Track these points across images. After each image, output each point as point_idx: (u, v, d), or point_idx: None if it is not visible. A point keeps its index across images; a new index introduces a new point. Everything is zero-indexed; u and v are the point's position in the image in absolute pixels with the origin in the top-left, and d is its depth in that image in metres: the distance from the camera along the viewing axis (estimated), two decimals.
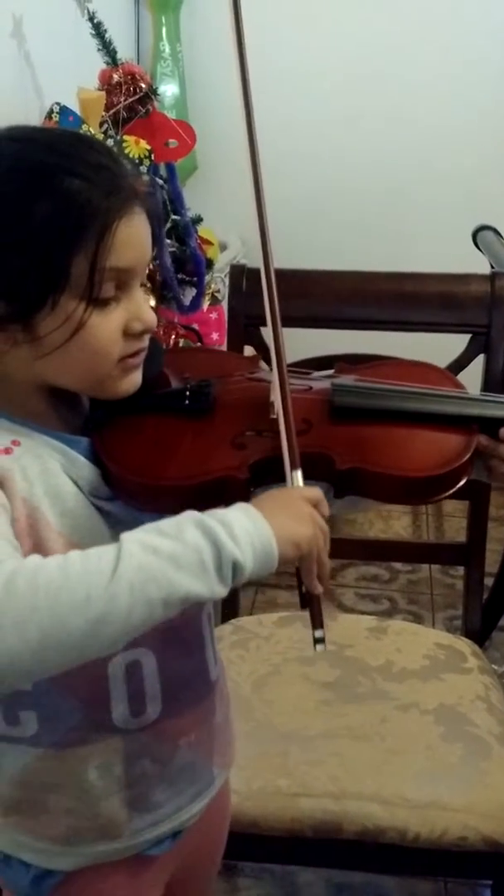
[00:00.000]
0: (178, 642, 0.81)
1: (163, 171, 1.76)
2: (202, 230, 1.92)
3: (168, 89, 2.36)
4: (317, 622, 0.69)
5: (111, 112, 1.65)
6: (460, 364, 1.34)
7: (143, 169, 1.62)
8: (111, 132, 1.64)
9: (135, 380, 0.75)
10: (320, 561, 0.68)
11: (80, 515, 0.72)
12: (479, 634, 1.43)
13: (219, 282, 2.02)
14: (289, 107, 2.43)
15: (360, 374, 0.89)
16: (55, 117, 1.56)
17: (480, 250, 1.86)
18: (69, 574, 0.59)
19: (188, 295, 1.82)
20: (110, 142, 1.60)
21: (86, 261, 0.67)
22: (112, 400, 0.75)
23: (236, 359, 1.02)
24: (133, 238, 0.70)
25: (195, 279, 1.81)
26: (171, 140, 1.71)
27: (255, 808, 1.09)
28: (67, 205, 0.67)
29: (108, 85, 1.69)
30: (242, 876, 1.51)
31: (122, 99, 1.67)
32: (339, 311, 1.36)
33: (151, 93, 1.70)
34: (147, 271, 0.75)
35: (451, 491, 0.78)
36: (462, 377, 1.25)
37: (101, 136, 1.60)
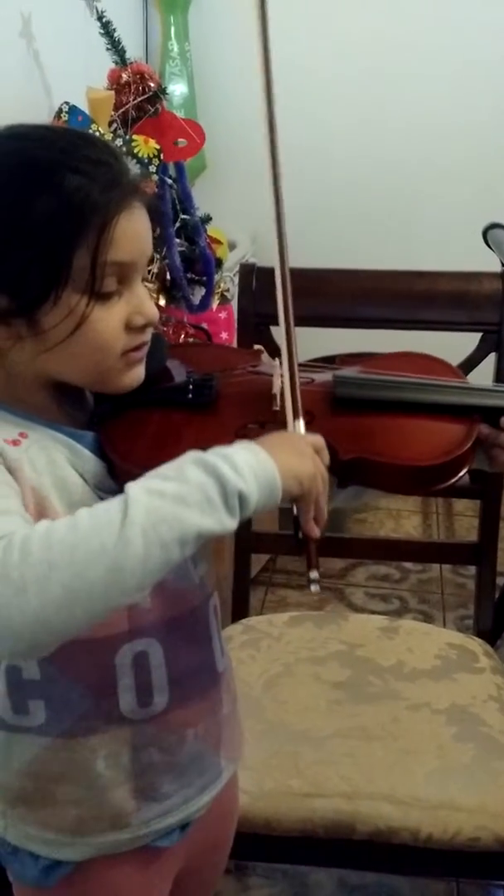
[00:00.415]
0: (185, 633, 0.82)
1: (172, 170, 1.75)
2: (211, 229, 1.92)
3: (177, 89, 2.35)
4: (312, 564, 0.71)
5: (120, 111, 1.65)
6: (471, 362, 1.34)
7: (153, 168, 1.62)
8: (120, 132, 1.64)
9: (138, 374, 0.76)
10: (318, 505, 0.70)
11: (85, 507, 0.72)
12: (490, 634, 1.43)
13: (228, 281, 2.01)
14: (298, 105, 2.42)
15: (361, 365, 0.89)
16: (64, 117, 1.56)
17: (491, 248, 1.84)
18: (80, 528, 0.60)
19: (197, 294, 1.82)
20: (119, 141, 1.60)
21: (87, 255, 0.68)
22: (116, 394, 0.76)
23: (238, 353, 1.03)
24: (133, 232, 0.71)
25: (204, 278, 1.81)
26: (180, 139, 1.71)
27: (267, 809, 1.09)
28: (68, 200, 0.67)
29: (116, 84, 1.68)
30: (254, 875, 1.51)
31: (130, 98, 1.67)
32: (349, 311, 1.36)
33: (160, 92, 1.70)
34: (147, 266, 0.75)
35: (454, 480, 0.79)
36: (473, 376, 1.25)
37: (110, 136, 1.60)
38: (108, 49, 1.72)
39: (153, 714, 0.79)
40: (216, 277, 1.86)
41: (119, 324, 0.72)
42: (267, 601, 2.20)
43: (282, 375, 0.81)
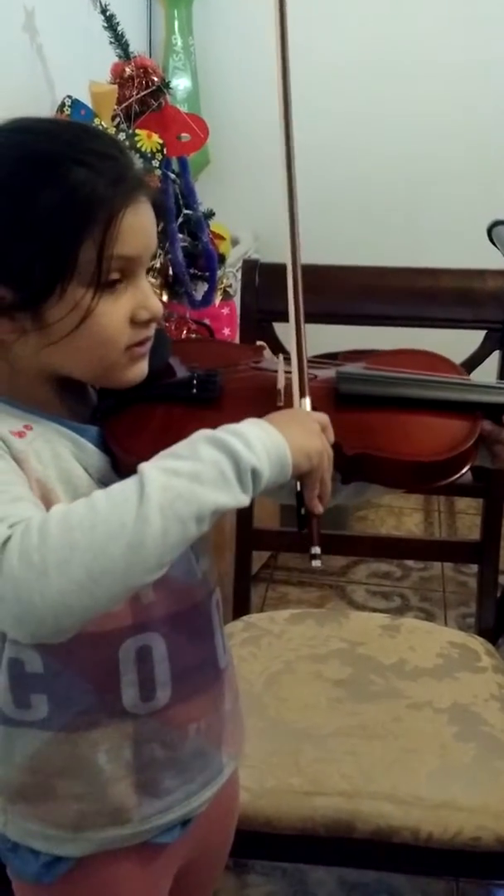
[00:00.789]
0: (188, 628, 0.82)
1: (175, 165, 1.75)
2: (214, 225, 1.91)
3: (180, 83, 2.34)
4: (314, 539, 0.72)
5: (123, 105, 1.65)
6: (476, 360, 1.33)
7: (156, 163, 1.61)
8: (123, 126, 1.64)
9: (141, 369, 0.76)
10: (323, 481, 0.71)
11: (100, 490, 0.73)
12: (492, 633, 1.42)
13: (231, 276, 2.01)
14: (301, 101, 2.41)
15: (364, 362, 0.90)
16: (67, 111, 1.55)
17: (496, 245, 1.84)
18: (98, 508, 0.61)
19: (200, 290, 1.81)
20: (122, 136, 1.59)
21: (93, 248, 0.68)
22: (119, 389, 0.76)
23: (241, 348, 1.03)
24: (139, 226, 0.71)
25: (207, 274, 1.80)
26: (183, 134, 1.70)
27: (268, 807, 1.08)
28: (74, 193, 0.67)
29: (120, 78, 1.68)
30: (253, 873, 1.51)
31: (134, 92, 1.66)
32: (353, 307, 1.35)
33: (164, 86, 1.69)
34: (152, 261, 0.75)
35: (457, 476, 0.79)
36: (477, 374, 1.24)
37: (113, 130, 1.59)
38: (111, 43, 1.71)
39: (156, 709, 0.79)
40: (219, 273, 1.85)
41: (124, 318, 0.72)
42: (268, 598, 2.20)
43: (287, 360, 0.82)
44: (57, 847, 0.80)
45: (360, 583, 2.28)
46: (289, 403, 0.78)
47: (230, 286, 1.97)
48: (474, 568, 1.51)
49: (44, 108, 1.63)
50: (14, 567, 0.60)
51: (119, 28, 1.71)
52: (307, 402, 0.77)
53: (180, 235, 1.73)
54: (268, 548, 1.95)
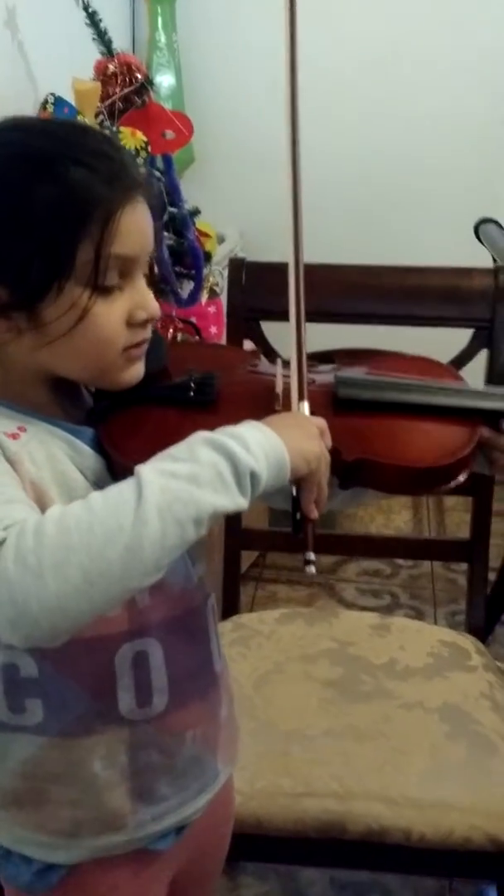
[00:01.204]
0: (185, 633, 0.81)
1: (159, 162, 1.73)
2: (200, 222, 1.90)
3: (164, 80, 2.33)
4: (309, 545, 0.71)
5: (107, 103, 1.63)
6: (463, 359, 1.33)
7: (140, 161, 1.59)
8: (107, 123, 1.62)
9: (138, 370, 0.75)
10: (320, 485, 0.71)
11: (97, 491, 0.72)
12: (482, 631, 1.42)
13: (217, 274, 1.99)
14: (285, 99, 2.41)
15: (362, 366, 0.89)
16: (50, 108, 1.54)
17: (482, 243, 1.84)
18: (95, 510, 0.60)
19: (186, 288, 1.80)
20: (106, 133, 1.58)
21: (91, 248, 0.67)
22: (115, 390, 0.76)
23: (237, 352, 1.03)
24: (136, 226, 0.70)
25: (193, 272, 1.79)
26: (167, 131, 1.69)
27: (259, 809, 1.08)
28: (71, 192, 0.67)
29: (103, 75, 1.66)
30: (244, 874, 1.50)
31: (117, 90, 1.64)
32: (340, 306, 1.34)
33: (147, 83, 1.68)
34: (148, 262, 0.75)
35: (454, 482, 0.79)
36: (465, 372, 1.24)
37: (96, 128, 1.58)
38: (94, 40, 1.70)
39: (152, 715, 0.78)
40: (205, 271, 1.84)
41: (121, 318, 0.71)
42: (257, 596, 2.19)
43: (285, 364, 0.81)
44: (50, 854, 0.79)
45: (349, 581, 2.28)
46: (287, 407, 0.78)
47: (216, 284, 1.96)
48: (464, 566, 1.51)
49: (26, 106, 1.61)
50: (9, 570, 0.58)
51: (102, 25, 1.69)
52: (305, 406, 0.76)
53: (165, 233, 1.72)
54: (257, 548, 1.94)
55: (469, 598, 1.45)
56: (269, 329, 1.36)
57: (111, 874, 0.81)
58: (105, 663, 0.75)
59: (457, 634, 1.37)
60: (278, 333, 1.31)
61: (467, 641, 1.35)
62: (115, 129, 1.60)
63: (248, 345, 1.36)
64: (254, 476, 0.64)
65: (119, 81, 1.64)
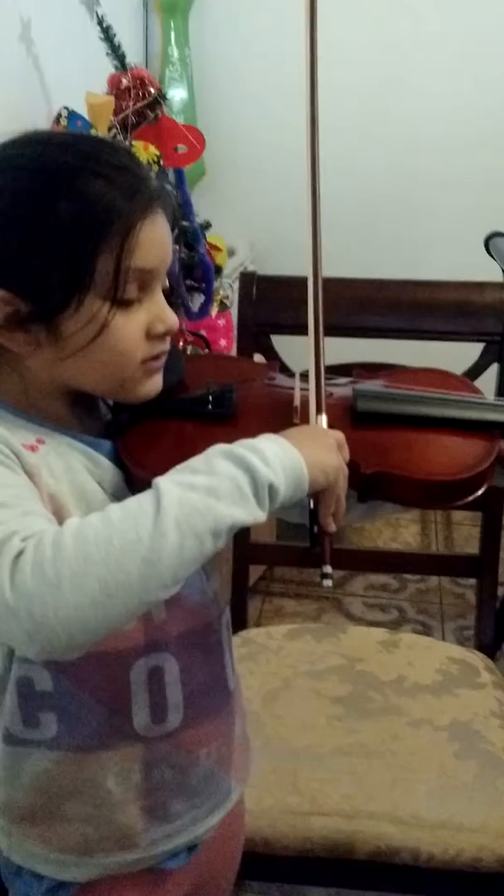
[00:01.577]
0: (200, 649, 0.80)
1: (172, 176, 1.74)
2: (210, 236, 1.90)
3: (176, 94, 2.34)
4: (326, 559, 0.71)
5: (120, 117, 1.64)
6: (474, 373, 1.32)
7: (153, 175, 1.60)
8: (120, 137, 1.63)
9: (156, 383, 0.75)
10: (338, 499, 0.70)
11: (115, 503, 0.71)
12: (491, 647, 1.41)
13: (227, 287, 2.00)
14: (296, 113, 2.42)
15: (378, 380, 0.89)
16: (63, 122, 1.54)
17: (493, 257, 1.83)
18: (114, 521, 0.60)
19: (196, 301, 1.80)
20: (126, 146, 1.59)
21: (111, 260, 0.67)
22: (133, 403, 0.76)
23: (254, 365, 1.03)
24: (156, 239, 0.70)
25: (203, 285, 1.79)
26: (180, 145, 1.69)
27: (266, 827, 1.07)
28: (91, 205, 0.67)
29: (116, 89, 1.67)
30: (250, 892, 1.49)
31: (130, 104, 1.65)
32: (352, 320, 1.34)
33: (160, 97, 1.69)
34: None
35: (473, 496, 0.78)
36: (476, 386, 1.23)
37: (116, 141, 1.58)
38: (108, 54, 1.70)
39: (167, 732, 0.78)
40: (215, 284, 1.84)
41: (140, 331, 0.71)
42: (264, 610, 2.18)
43: (302, 377, 0.81)
44: (61, 871, 0.79)
45: (356, 595, 2.26)
46: (304, 420, 0.78)
47: (227, 297, 1.96)
48: (472, 580, 1.50)
49: (40, 120, 1.62)
50: (27, 582, 0.58)
51: (116, 39, 1.70)
52: (323, 419, 0.76)
53: (176, 246, 1.72)
54: (265, 562, 1.93)
55: (478, 614, 1.44)
56: (280, 343, 1.36)
57: (122, 892, 0.80)
58: (120, 678, 0.75)
59: (466, 651, 1.36)
60: (288, 347, 1.31)
61: (476, 658, 1.34)
62: (127, 142, 1.61)
63: (259, 358, 1.35)
64: (272, 489, 0.64)
65: (132, 95, 1.64)
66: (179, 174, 1.75)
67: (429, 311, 1.34)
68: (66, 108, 1.56)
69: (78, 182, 0.67)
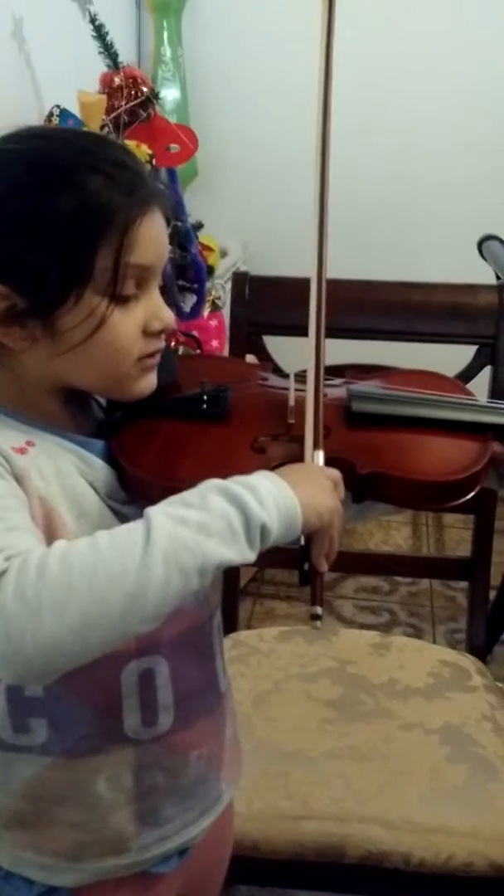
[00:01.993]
0: (191, 651, 0.80)
1: (164, 176, 1.73)
2: (203, 236, 1.90)
3: (169, 94, 2.34)
4: (316, 599, 0.69)
5: (112, 116, 1.63)
6: (467, 375, 1.32)
7: None
8: (112, 136, 1.62)
9: (151, 381, 0.75)
10: (332, 539, 0.69)
11: (96, 518, 0.71)
12: (483, 650, 1.41)
13: (219, 288, 1.99)
14: (296, 116, 2.42)
15: (373, 381, 0.89)
16: (55, 120, 1.53)
17: (486, 260, 1.83)
18: (101, 550, 0.59)
19: (188, 302, 1.80)
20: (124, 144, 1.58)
21: (109, 256, 0.67)
22: (127, 401, 0.75)
23: (246, 365, 1.02)
24: (153, 236, 0.70)
25: (196, 286, 1.79)
26: (172, 144, 1.69)
27: (256, 831, 1.06)
28: (90, 201, 0.66)
29: (108, 88, 1.66)
30: (238, 894, 1.48)
31: (123, 102, 1.65)
32: (345, 321, 1.33)
33: (153, 97, 1.68)
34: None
35: (466, 497, 0.78)
36: (469, 388, 1.23)
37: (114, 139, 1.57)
38: (100, 52, 1.70)
39: (158, 734, 0.77)
40: (207, 285, 1.83)
41: (137, 328, 0.71)
42: (255, 612, 2.17)
43: (297, 378, 0.81)
44: (52, 877, 0.78)
45: (347, 597, 2.26)
46: (299, 420, 0.77)
47: (219, 298, 1.96)
48: (462, 583, 1.49)
49: (31, 117, 1.61)
50: (7, 603, 0.57)
51: (108, 38, 1.69)
52: (320, 455, 0.74)
53: (169, 247, 1.72)
54: (256, 564, 1.92)
55: (470, 617, 1.44)
56: (272, 343, 1.35)
57: None
58: (111, 681, 0.74)
59: (457, 654, 1.36)
60: (281, 348, 1.31)
61: (468, 661, 1.33)
62: (120, 141, 1.60)
63: (251, 359, 1.35)
64: (264, 529, 0.62)
65: (124, 94, 1.64)
66: (172, 174, 1.75)
67: (422, 313, 1.34)
68: (58, 106, 1.55)
69: (77, 177, 0.66)
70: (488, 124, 2.44)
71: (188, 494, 0.63)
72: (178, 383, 0.81)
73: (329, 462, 0.75)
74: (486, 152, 2.45)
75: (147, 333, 0.72)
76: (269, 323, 1.33)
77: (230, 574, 1.42)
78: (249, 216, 2.50)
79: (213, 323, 1.96)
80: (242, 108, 2.51)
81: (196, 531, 0.60)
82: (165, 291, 1.69)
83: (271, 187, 2.47)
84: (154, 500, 0.73)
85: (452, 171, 2.47)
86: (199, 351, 1.78)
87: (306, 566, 0.69)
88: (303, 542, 0.69)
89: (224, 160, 2.48)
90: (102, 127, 1.62)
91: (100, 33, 1.68)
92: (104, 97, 1.64)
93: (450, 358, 1.30)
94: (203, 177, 2.41)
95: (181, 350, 1.75)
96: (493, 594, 1.50)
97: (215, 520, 0.61)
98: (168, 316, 0.73)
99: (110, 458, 0.74)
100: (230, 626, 1.41)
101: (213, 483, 0.64)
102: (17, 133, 0.70)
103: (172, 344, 1.72)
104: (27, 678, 0.60)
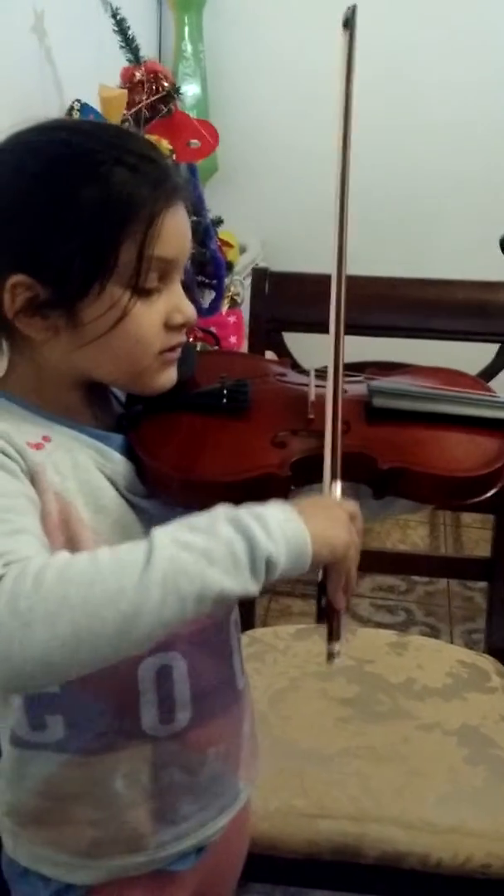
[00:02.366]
0: (208, 647, 0.79)
1: (184, 171, 1.72)
2: (222, 232, 1.89)
3: (189, 89, 2.33)
4: (334, 636, 0.68)
5: (133, 110, 1.63)
6: (489, 374, 1.31)
7: None
8: (133, 131, 1.62)
9: (171, 375, 0.75)
10: (348, 574, 0.67)
11: (113, 512, 0.71)
12: (502, 651, 1.39)
13: (238, 284, 1.99)
14: (309, 110, 2.41)
15: (393, 377, 0.88)
16: (76, 114, 1.54)
17: None
18: (100, 567, 0.57)
19: (207, 298, 1.79)
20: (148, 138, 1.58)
21: (134, 248, 0.67)
22: (148, 395, 0.75)
23: (266, 361, 1.02)
24: (177, 229, 0.70)
25: (215, 282, 1.78)
26: (193, 140, 1.68)
27: (272, 829, 1.05)
28: (116, 193, 0.66)
29: (129, 83, 1.66)
30: (252, 893, 1.47)
31: (144, 97, 1.64)
32: (364, 318, 1.32)
33: (174, 92, 1.68)
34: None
35: (487, 494, 0.77)
36: (490, 386, 1.22)
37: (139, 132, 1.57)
38: (121, 47, 1.69)
39: (175, 731, 0.77)
40: (226, 281, 1.83)
41: (159, 321, 0.71)
42: (271, 609, 2.17)
43: (318, 374, 0.80)
44: (68, 874, 0.78)
45: (364, 596, 2.25)
46: (319, 416, 0.76)
47: (237, 294, 1.95)
48: (480, 583, 1.48)
49: (52, 112, 1.61)
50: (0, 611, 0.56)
51: (130, 32, 1.69)
52: (338, 486, 0.72)
53: (191, 241, 1.71)
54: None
55: (489, 617, 1.43)
56: (291, 340, 1.34)
57: (129, 895, 0.79)
58: (128, 678, 0.74)
59: (476, 655, 1.35)
60: (300, 344, 1.30)
61: (487, 662, 1.32)
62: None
63: (270, 355, 1.34)
64: (270, 562, 0.60)
65: (145, 89, 1.64)
66: (192, 169, 1.74)
67: (443, 310, 1.32)
68: (79, 100, 1.55)
69: (102, 169, 0.66)
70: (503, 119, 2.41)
71: (198, 518, 0.61)
72: (196, 379, 0.81)
73: (350, 457, 0.74)
74: (501, 147, 2.43)
75: (169, 327, 0.71)
76: (289, 319, 1.32)
77: None
78: (269, 212, 2.50)
79: (232, 319, 1.95)
80: (262, 105, 2.50)
81: (199, 557, 0.58)
82: (185, 287, 1.69)
83: (291, 183, 2.46)
84: (174, 494, 0.73)
85: (474, 168, 2.45)
86: (216, 347, 1.78)
87: (324, 601, 0.67)
88: (320, 576, 0.67)
89: (244, 156, 2.47)
90: (123, 122, 1.61)
91: (121, 27, 1.68)
92: (125, 92, 1.64)
93: (472, 357, 1.29)
94: (223, 173, 2.40)
95: (199, 346, 1.75)
96: None
97: (220, 548, 0.59)
98: (190, 310, 0.72)
99: (129, 452, 0.73)
100: (246, 623, 1.41)
101: (224, 510, 0.62)
102: (42, 125, 0.70)
103: (191, 339, 1.72)
104: (15, 687, 0.59)
